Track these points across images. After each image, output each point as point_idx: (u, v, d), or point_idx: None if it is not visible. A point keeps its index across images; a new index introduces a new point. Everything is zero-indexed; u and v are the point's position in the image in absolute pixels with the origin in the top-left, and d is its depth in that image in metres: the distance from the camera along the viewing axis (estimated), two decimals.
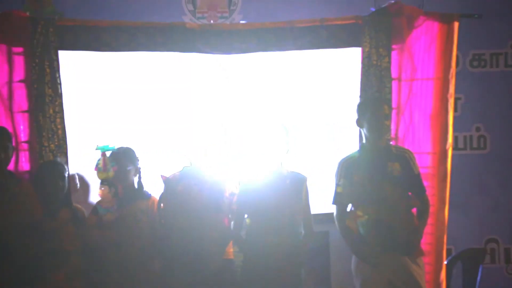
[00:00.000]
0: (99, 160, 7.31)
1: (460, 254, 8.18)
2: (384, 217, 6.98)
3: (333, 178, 7.31)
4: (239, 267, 7.17)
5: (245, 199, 7.05)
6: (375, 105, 7.16)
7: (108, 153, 7.33)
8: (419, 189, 7.16)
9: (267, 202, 6.96)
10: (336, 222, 7.19)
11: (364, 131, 7.18)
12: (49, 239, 7.07)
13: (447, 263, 7.71)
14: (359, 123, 7.20)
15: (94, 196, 7.63)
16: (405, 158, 7.14)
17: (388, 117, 7.34)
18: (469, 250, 8.30)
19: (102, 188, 7.29)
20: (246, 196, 7.06)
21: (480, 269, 8.06)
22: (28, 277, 7.01)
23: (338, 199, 7.16)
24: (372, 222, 7.01)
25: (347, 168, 7.17)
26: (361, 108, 7.19)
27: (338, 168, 7.20)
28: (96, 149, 7.31)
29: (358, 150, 7.30)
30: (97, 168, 7.32)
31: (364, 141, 7.23)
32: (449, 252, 8.01)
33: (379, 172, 7.04)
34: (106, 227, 7.22)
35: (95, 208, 7.31)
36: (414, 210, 7.19)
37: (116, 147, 7.41)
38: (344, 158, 7.25)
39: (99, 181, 7.35)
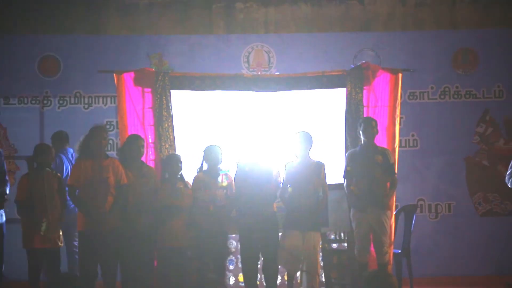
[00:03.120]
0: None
1: (402, 208, 8.18)
2: (369, 185, 7.23)
3: (343, 162, 7.48)
4: (279, 216, 7.22)
5: (288, 176, 7.18)
6: (365, 122, 7.40)
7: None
8: (392, 172, 7.35)
9: (300, 178, 7.12)
10: (345, 187, 7.38)
11: (361, 137, 7.37)
12: (168, 200, 7.12)
13: (395, 213, 7.73)
14: (359, 131, 7.41)
15: None
16: (385, 153, 7.36)
17: (374, 129, 7.38)
18: (408, 205, 8.24)
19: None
20: (289, 173, 7.19)
21: (414, 217, 8.04)
22: (156, 223, 7.13)
23: (347, 174, 7.35)
24: (364, 188, 7.23)
25: (351, 156, 7.35)
26: (360, 124, 7.40)
27: (347, 156, 7.40)
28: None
29: (358, 147, 7.44)
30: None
31: (361, 142, 7.40)
32: (396, 207, 7.88)
33: (370, 160, 7.27)
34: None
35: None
36: (388, 184, 7.36)
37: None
38: (351, 151, 7.48)
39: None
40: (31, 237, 6.93)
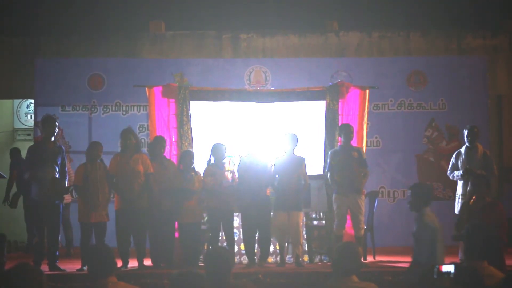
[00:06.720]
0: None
1: (368, 193, 7.81)
2: (349, 175, 7.10)
3: (324, 159, 7.36)
4: (271, 199, 7.06)
5: (277, 167, 7.04)
6: (345, 128, 7.26)
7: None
8: (365, 165, 7.19)
9: (287, 169, 7.00)
10: (329, 177, 7.20)
11: (342, 138, 7.22)
12: (183, 185, 6.88)
13: None
14: (340, 135, 7.28)
15: None
16: (359, 151, 7.25)
17: (352, 134, 7.24)
18: (371, 191, 7.99)
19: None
20: (277, 166, 7.05)
21: (376, 201, 7.92)
22: (172, 204, 6.93)
23: (331, 168, 7.17)
24: (343, 177, 7.09)
25: (333, 154, 7.18)
26: (340, 129, 7.29)
27: (330, 154, 7.22)
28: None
29: (339, 147, 7.30)
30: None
31: (342, 143, 7.25)
32: None
33: (348, 156, 7.14)
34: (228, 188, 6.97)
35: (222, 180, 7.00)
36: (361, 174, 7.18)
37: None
38: (332, 149, 7.31)
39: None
40: (87, 213, 6.78)
